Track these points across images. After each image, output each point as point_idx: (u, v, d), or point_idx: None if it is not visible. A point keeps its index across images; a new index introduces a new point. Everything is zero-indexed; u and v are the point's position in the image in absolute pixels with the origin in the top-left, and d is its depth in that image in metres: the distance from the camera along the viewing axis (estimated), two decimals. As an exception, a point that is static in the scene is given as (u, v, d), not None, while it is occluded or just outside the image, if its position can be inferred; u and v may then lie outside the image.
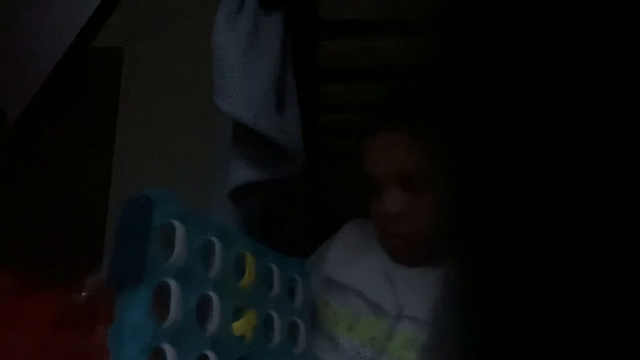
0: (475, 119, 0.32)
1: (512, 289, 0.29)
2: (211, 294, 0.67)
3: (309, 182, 1.14)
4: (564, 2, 0.27)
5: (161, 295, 0.61)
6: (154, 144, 2.40)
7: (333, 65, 1.14)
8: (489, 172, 0.30)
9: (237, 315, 0.71)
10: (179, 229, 0.65)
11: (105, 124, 2.52)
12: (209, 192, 1.15)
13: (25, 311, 0.73)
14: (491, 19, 0.30)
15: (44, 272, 2.60)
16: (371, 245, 0.86)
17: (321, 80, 1.15)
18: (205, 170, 1.31)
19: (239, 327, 0.70)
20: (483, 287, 0.31)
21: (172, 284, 0.62)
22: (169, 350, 0.59)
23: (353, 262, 0.85)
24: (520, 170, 0.29)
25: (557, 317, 0.28)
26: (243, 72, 0.87)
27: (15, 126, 0.88)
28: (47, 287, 0.76)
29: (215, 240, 0.69)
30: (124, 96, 2.54)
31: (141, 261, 0.60)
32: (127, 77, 2.55)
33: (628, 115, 0.25)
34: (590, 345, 0.27)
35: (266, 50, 0.91)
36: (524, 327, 0.29)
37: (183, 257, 0.64)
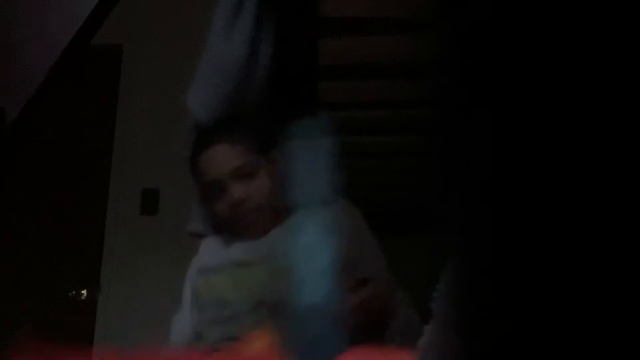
0: (475, 115, 0.32)
1: (513, 284, 0.29)
2: None
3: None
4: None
5: None
6: (153, 141, 2.39)
7: (333, 63, 1.14)
8: (491, 170, 0.30)
9: None
10: None
11: (104, 121, 2.52)
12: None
13: None
14: (489, 22, 0.30)
15: (43, 269, 2.58)
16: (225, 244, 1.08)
17: (321, 77, 1.15)
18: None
19: None
20: (484, 283, 0.31)
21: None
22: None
23: (218, 252, 1.08)
24: (521, 169, 0.29)
25: (558, 315, 0.28)
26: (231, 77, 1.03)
27: (14, 124, 0.88)
28: None
29: None
30: (123, 93, 2.54)
31: (326, 181, 0.58)
32: (126, 74, 2.54)
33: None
34: (590, 343, 0.27)
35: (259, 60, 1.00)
36: (525, 323, 0.29)
37: None
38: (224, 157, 1.02)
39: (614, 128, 0.27)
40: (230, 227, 1.05)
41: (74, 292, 2.38)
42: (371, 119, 1.86)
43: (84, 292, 2.39)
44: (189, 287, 1.07)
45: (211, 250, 1.10)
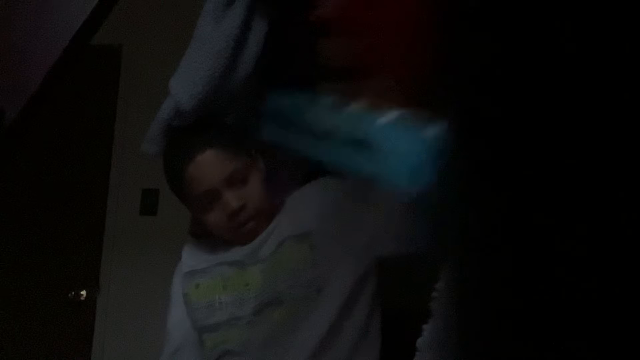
0: (481, 114, 0.32)
1: (512, 284, 0.29)
2: None
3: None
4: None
5: None
6: (153, 141, 2.39)
7: (331, 64, 1.14)
8: (492, 171, 0.30)
9: None
10: None
11: (104, 121, 2.52)
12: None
13: None
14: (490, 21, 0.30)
15: (43, 269, 2.58)
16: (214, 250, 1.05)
17: (319, 78, 1.15)
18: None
19: None
20: (483, 283, 0.31)
21: None
22: None
23: (203, 255, 1.05)
24: (524, 169, 0.29)
25: (558, 316, 0.28)
26: (213, 67, 0.94)
27: (14, 124, 0.88)
28: None
29: None
30: (122, 93, 2.54)
31: None
32: (125, 74, 2.55)
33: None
34: (591, 343, 0.27)
35: (246, 56, 0.95)
36: (524, 323, 0.29)
37: None
38: (215, 164, 0.95)
39: (611, 133, 0.27)
40: (223, 236, 1.01)
41: (73, 292, 2.38)
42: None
43: (84, 292, 2.39)
44: (180, 294, 1.03)
45: (196, 253, 1.06)
